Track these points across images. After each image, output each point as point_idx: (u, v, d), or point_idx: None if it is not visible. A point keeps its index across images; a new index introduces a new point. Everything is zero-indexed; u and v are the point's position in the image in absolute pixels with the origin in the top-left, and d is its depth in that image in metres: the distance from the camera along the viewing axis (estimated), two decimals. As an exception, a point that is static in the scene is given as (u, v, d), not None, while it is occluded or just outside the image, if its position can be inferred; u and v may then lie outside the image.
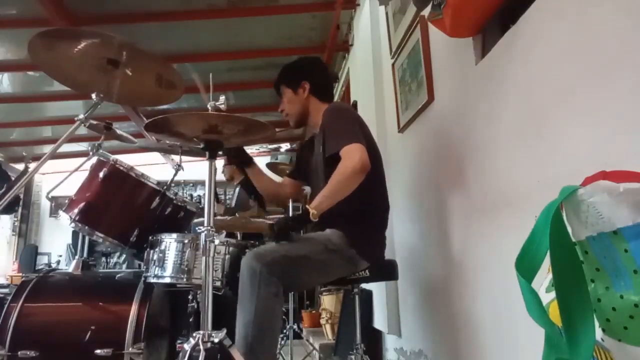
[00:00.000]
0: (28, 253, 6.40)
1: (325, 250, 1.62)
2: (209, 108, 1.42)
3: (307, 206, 1.54)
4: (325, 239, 1.65)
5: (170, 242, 1.70)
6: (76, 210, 1.82)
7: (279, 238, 1.57)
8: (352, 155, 1.58)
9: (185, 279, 1.66)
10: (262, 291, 1.48)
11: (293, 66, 2.00)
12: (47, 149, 5.32)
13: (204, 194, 1.49)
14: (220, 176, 4.40)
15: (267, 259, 1.52)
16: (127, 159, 1.95)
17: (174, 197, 1.91)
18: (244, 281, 1.51)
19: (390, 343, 2.72)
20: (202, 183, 6.91)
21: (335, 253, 1.64)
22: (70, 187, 1.89)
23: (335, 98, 5.19)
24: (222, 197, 6.08)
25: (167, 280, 1.68)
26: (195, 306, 2.18)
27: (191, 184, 7.27)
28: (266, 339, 1.48)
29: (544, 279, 0.77)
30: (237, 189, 4.29)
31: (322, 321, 3.57)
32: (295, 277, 1.61)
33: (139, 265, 2.14)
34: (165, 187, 1.87)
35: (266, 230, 1.68)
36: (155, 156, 6.37)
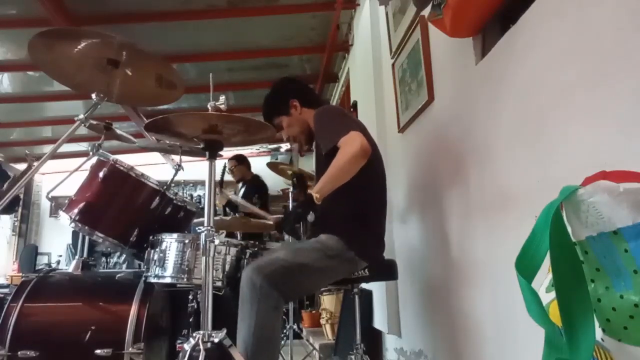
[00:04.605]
0: (28, 253, 6.40)
1: (324, 257, 1.62)
2: (209, 108, 1.42)
3: (309, 191, 1.54)
4: (322, 246, 1.65)
5: (171, 242, 1.70)
6: (76, 210, 1.82)
7: (287, 231, 1.55)
8: (350, 142, 1.57)
9: (185, 279, 1.67)
10: (261, 305, 1.48)
11: (273, 95, 2.01)
12: (47, 149, 5.32)
13: (204, 194, 1.49)
14: (227, 176, 4.43)
15: (267, 271, 1.52)
16: (127, 159, 1.96)
17: (174, 197, 1.91)
18: (244, 295, 1.52)
19: (390, 343, 2.72)
20: (202, 183, 6.94)
21: (335, 258, 1.63)
22: (70, 187, 1.89)
23: (335, 98, 5.22)
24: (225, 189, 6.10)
25: (168, 280, 1.68)
26: (195, 306, 2.18)
27: (191, 184, 7.28)
28: (266, 352, 1.48)
29: (544, 279, 0.77)
30: (243, 189, 4.31)
31: (322, 321, 3.57)
32: (297, 286, 1.62)
33: (139, 265, 2.14)
34: (165, 187, 1.87)
35: (271, 226, 1.67)
36: (155, 156, 6.38)
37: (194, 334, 1.29)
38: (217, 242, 1.38)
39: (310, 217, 1.52)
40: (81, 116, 1.76)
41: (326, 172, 1.56)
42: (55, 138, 4.87)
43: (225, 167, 4.04)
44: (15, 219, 7.27)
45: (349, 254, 1.65)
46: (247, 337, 1.47)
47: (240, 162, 4.32)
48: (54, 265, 6.64)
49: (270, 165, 3.53)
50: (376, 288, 2.84)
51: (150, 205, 1.84)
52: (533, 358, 0.83)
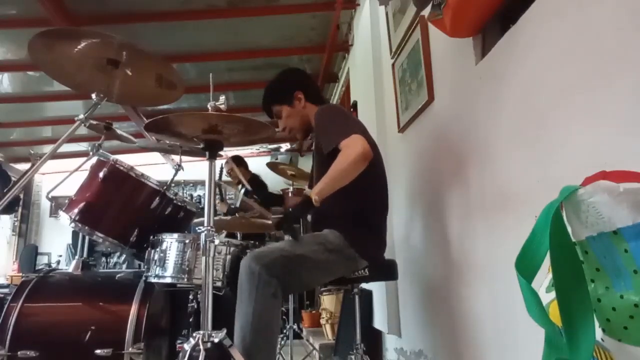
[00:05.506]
0: (28, 253, 6.40)
1: (324, 251, 1.62)
2: (209, 108, 1.42)
3: (307, 192, 1.53)
4: (324, 240, 1.65)
5: (171, 242, 1.70)
6: (76, 210, 1.82)
7: (285, 230, 1.55)
8: (352, 145, 1.57)
9: (186, 279, 1.66)
10: (260, 292, 1.47)
11: (279, 82, 1.98)
12: (47, 149, 5.33)
13: (204, 194, 1.49)
14: (225, 176, 4.43)
15: (266, 260, 1.51)
16: (127, 159, 1.95)
17: (174, 197, 1.91)
18: (242, 283, 1.50)
19: (390, 343, 2.72)
20: (202, 183, 6.95)
21: (335, 253, 1.63)
22: (70, 187, 1.89)
23: (335, 98, 5.21)
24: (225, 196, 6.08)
25: (168, 280, 1.68)
26: (195, 306, 2.18)
27: (191, 184, 7.28)
28: (264, 341, 1.46)
29: (544, 279, 0.77)
30: (243, 190, 4.30)
31: (322, 321, 3.57)
32: (295, 277, 1.60)
33: (139, 265, 2.14)
34: (165, 187, 1.87)
35: (271, 226, 1.66)
36: (155, 156, 6.38)
37: (194, 334, 1.29)
38: (217, 242, 1.37)
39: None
40: (81, 116, 1.76)
41: (326, 174, 1.55)
42: (55, 138, 4.87)
43: (222, 170, 4.04)
44: (15, 219, 7.27)
45: (350, 251, 1.65)
46: (245, 325, 1.44)
47: (238, 163, 4.31)
48: (54, 265, 6.64)
49: (270, 165, 3.53)
50: (376, 288, 2.84)
51: (150, 205, 1.84)
52: (533, 358, 0.83)
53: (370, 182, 1.72)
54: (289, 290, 1.65)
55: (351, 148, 1.56)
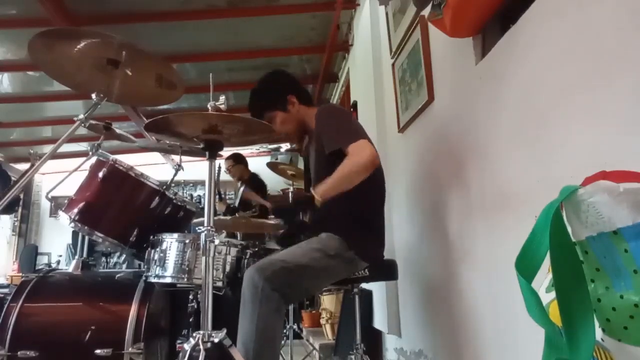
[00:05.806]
0: (28, 253, 6.40)
1: (324, 257, 1.62)
2: (209, 108, 1.42)
3: (313, 191, 1.53)
4: (323, 245, 1.65)
5: (171, 242, 1.70)
6: (76, 210, 1.82)
7: (281, 218, 1.55)
8: (361, 151, 1.58)
9: (186, 279, 1.67)
10: (263, 308, 1.48)
11: (270, 87, 1.92)
12: (47, 149, 5.32)
13: (204, 194, 1.49)
14: (224, 176, 4.43)
15: (268, 273, 1.52)
16: (127, 159, 1.95)
17: (173, 197, 1.91)
18: (245, 297, 1.51)
19: (390, 343, 2.72)
20: (202, 183, 6.95)
21: (335, 258, 1.63)
22: (70, 187, 1.89)
23: (335, 98, 5.22)
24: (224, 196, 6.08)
25: (168, 280, 1.68)
26: (195, 306, 2.18)
27: (191, 184, 7.28)
28: (268, 353, 1.48)
29: (544, 279, 0.76)
30: (241, 189, 4.30)
31: (322, 321, 3.57)
32: (298, 287, 1.61)
33: (139, 265, 2.14)
34: (165, 187, 1.87)
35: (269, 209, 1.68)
36: (155, 156, 6.37)
37: (194, 334, 1.29)
38: (217, 242, 1.37)
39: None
40: (81, 116, 1.75)
41: (331, 177, 1.55)
42: (55, 138, 4.87)
43: (219, 170, 4.03)
44: (15, 219, 7.27)
45: (349, 254, 1.65)
46: (248, 340, 1.46)
47: (238, 161, 4.32)
48: (54, 265, 6.64)
49: (270, 165, 3.53)
50: (376, 288, 2.84)
51: (150, 205, 1.84)
52: (533, 358, 0.83)
53: (371, 184, 1.72)
54: (293, 300, 1.66)
55: (359, 155, 1.57)
